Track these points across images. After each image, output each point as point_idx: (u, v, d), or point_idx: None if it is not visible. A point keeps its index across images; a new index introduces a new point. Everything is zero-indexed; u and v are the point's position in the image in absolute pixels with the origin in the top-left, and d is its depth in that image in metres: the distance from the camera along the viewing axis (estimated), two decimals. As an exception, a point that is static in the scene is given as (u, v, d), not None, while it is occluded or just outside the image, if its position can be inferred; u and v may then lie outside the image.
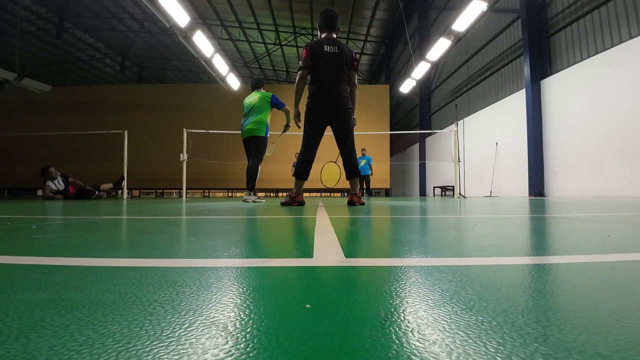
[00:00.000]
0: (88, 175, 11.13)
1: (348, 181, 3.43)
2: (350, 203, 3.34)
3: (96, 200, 5.93)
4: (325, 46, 3.23)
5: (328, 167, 5.85)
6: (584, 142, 7.38)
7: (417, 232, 1.18)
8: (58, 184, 6.87)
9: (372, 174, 10.74)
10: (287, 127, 4.75)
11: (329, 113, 3.27)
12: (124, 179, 7.73)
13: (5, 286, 0.51)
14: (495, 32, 10.63)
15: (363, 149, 10.56)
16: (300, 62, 3.28)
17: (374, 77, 23.16)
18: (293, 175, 3.36)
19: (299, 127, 3.50)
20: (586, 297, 0.44)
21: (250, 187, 4.77)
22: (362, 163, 10.21)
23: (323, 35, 3.37)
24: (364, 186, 10.29)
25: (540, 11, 8.73)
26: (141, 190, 17.38)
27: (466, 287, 0.49)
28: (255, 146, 4.78)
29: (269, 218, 1.86)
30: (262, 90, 5.01)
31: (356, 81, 3.41)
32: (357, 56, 3.41)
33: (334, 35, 3.38)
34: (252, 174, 4.76)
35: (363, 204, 3.38)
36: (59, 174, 6.95)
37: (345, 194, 15.71)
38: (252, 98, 4.90)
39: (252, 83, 5.13)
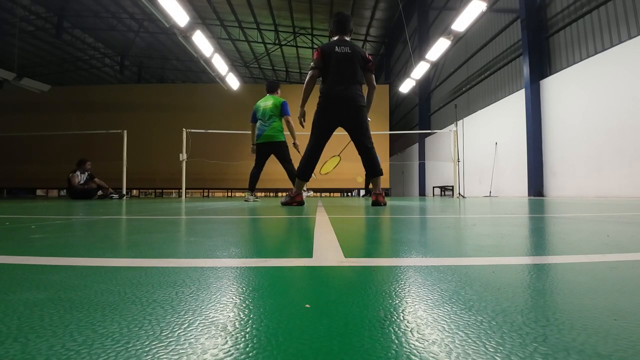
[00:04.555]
0: (87, 175, 11.11)
1: (371, 181, 3.32)
2: (376, 203, 3.19)
3: (96, 200, 5.93)
4: (336, 47, 3.21)
5: (330, 161, 6.01)
6: (583, 142, 7.39)
7: (417, 232, 1.18)
8: (83, 177, 7.19)
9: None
10: (295, 145, 4.93)
11: (339, 113, 3.21)
12: (124, 195, 7.73)
13: (4, 286, 0.51)
14: (494, 32, 10.64)
15: None
16: (312, 63, 3.25)
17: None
18: (295, 174, 3.34)
19: (303, 127, 3.48)
20: (585, 297, 0.44)
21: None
22: None
23: (335, 38, 3.35)
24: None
25: (539, 11, 8.74)
26: (140, 190, 17.38)
27: (465, 287, 0.49)
28: (281, 152, 4.89)
29: (269, 218, 1.86)
30: (277, 95, 5.02)
31: (374, 82, 3.35)
32: (371, 57, 3.36)
33: (347, 38, 3.36)
34: (294, 175, 4.91)
35: (385, 204, 3.25)
36: (88, 171, 7.30)
37: (345, 194, 15.71)
38: (267, 103, 4.90)
39: (268, 86, 5.10)
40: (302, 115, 3.45)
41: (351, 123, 3.24)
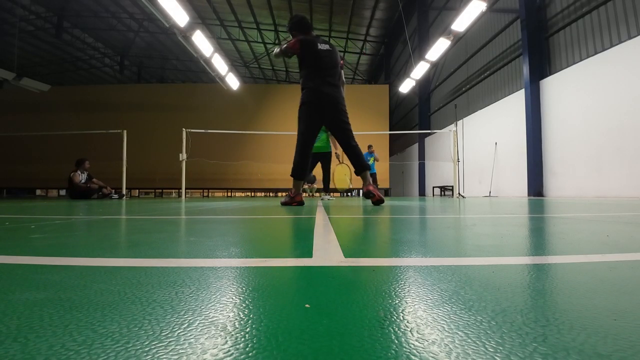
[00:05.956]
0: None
1: (360, 176, 3.35)
2: (368, 195, 3.20)
3: (96, 200, 5.92)
4: (319, 44, 3.26)
5: (339, 169, 6.10)
6: (583, 142, 7.39)
7: (417, 232, 1.18)
8: (83, 177, 7.27)
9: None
10: (337, 155, 5.86)
11: (326, 112, 3.26)
12: (124, 195, 7.75)
13: (4, 286, 0.51)
14: (494, 32, 10.64)
15: (370, 145, 9.77)
16: (284, 47, 3.27)
17: (373, 77, 23.16)
18: (291, 175, 3.34)
19: (303, 125, 3.27)
20: (585, 297, 0.44)
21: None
22: (371, 161, 9.44)
23: (309, 36, 3.37)
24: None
25: (539, 11, 8.74)
26: (140, 190, 17.36)
27: (465, 287, 0.49)
28: (327, 160, 5.82)
29: (269, 218, 1.86)
30: None
31: (344, 79, 3.51)
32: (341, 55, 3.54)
33: (314, 34, 3.45)
34: (327, 181, 5.96)
35: (379, 196, 3.21)
36: (87, 171, 7.38)
37: (345, 195, 15.70)
38: None
39: None
40: (304, 119, 3.30)
41: (336, 123, 3.30)
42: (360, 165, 3.30)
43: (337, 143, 5.51)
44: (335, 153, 5.75)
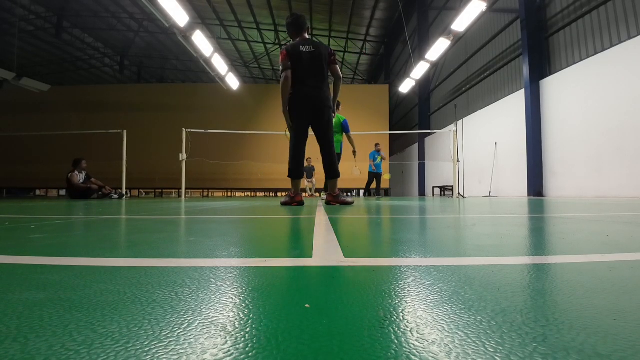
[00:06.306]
0: (87, 175, 11.09)
1: (328, 182, 3.51)
2: (328, 203, 3.46)
3: (96, 200, 5.92)
4: (301, 47, 3.28)
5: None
6: (583, 142, 7.39)
7: (417, 232, 1.18)
8: (81, 177, 7.26)
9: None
10: (354, 152, 5.85)
11: (310, 111, 3.31)
12: (123, 195, 7.75)
13: (4, 286, 0.51)
14: (494, 32, 10.64)
15: (377, 144, 9.23)
16: (281, 66, 3.31)
17: (373, 77, 23.16)
18: (288, 176, 3.37)
19: (293, 127, 3.40)
20: (585, 297, 0.44)
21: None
22: (378, 159, 9.03)
23: (297, 39, 3.42)
24: (375, 185, 9.23)
25: (539, 11, 8.74)
26: (140, 190, 17.37)
27: (465, 287, 0.49)
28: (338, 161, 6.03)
29: (269, 218, 1.86)
30: (338, 113, 5.60)
31: (340, 73, 3.49)
32: (333, 51, 3.48)
33: (306, 35, 3.46)
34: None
35: (349, 203, 3.42)
36: (85, 170, 7.37)
37: (345, 194, 15.72)
38: None
39: None
40: (291, 119, 3.36)
41: (320, 123, 3.37)
42: (332, 172, 3.44)
43: (354, 142, 5.72)
44: (353, 151, 5.81)
